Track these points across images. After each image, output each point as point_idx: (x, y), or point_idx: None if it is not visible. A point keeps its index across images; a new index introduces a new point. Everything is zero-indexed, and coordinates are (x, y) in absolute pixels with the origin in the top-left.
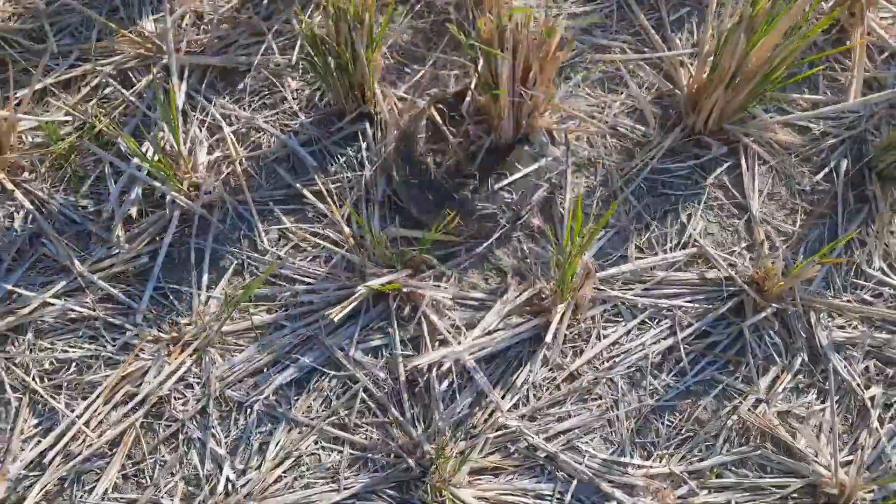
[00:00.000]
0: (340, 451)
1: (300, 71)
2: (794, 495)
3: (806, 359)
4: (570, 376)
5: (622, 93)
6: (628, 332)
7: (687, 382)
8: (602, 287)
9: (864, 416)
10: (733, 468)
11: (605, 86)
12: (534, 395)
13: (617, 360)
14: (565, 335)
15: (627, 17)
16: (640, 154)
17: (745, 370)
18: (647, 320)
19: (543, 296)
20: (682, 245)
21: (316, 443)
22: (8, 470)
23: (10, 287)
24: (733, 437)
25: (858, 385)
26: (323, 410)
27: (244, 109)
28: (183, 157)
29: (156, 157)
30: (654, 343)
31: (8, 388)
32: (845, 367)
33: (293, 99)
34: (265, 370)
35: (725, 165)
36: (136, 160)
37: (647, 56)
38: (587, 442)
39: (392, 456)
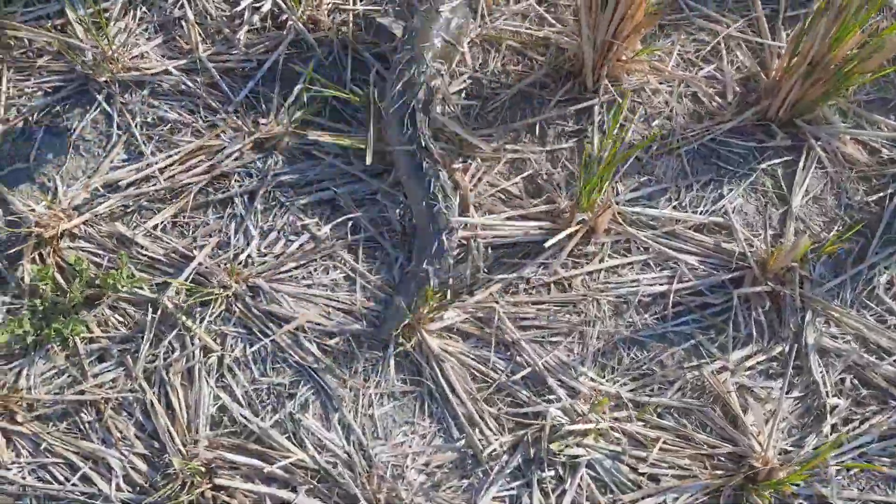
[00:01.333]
0: (349, 273)
1: None
2: (720, 458)
3: (786, 350)
4: (561, 285)
5: (713, 63)
6: (629, 266)
7: (665, 328)
8: (622, 223)
9: (820, 420)
10: (675, 414)
11: (699, 54)
12: (523, 287)
13: (609, 285)
14: (571, 250)
15: (744, 0)
16: (707, 121)
17: (723, 338)
18: (651, 263)
19: (564, 210)
20: (711, 212)
21: (331, 258)
22: (90, 184)
23: (144, 49)
24: (687, 389)
25: (827, 392)
26: (341, 239)
27: None
28: None
29: None
30: (650, 285)
31: (115, 124)
32: (821, 371)
33: None
34: (312, 185)
35: (784, 158)
36: None
37: (748, 38)
38: (552, 342)
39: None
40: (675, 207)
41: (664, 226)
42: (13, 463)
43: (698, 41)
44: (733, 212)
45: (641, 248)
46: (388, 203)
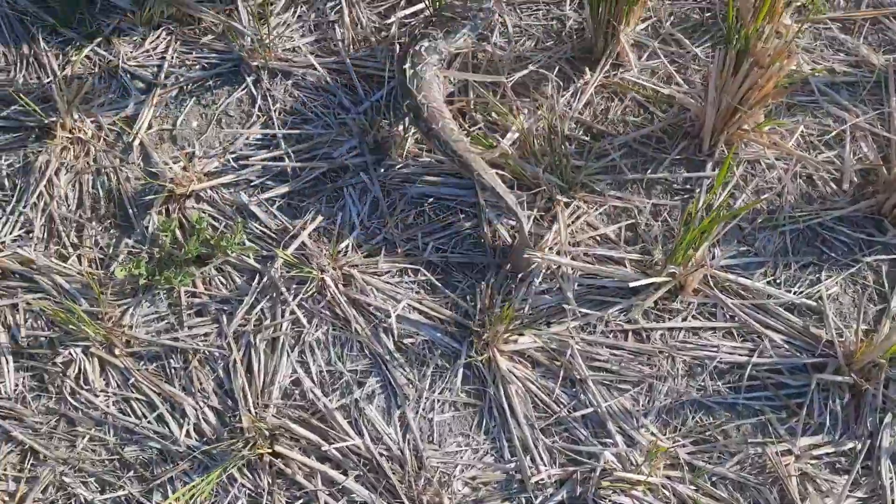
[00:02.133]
0: (435, 281)
1: None
2: None
3: (858, 447)
4: (640, 334)
5: (835, 150)
6: (712, 330)
7: (736, 399)
8: (712, 286)
9: None
10: (730, 486)
11: (822, 138)
12: (601, 329)
13: (688, 345)
14: (655, 302)
15: (879, 93)
16: (818, 205)
17: (794, 421)
18: (734, 332)
19: (656, 263)
20: (805, 294)
21: (424, 263)
22: (225, 154)
23: (297, 43)
24: (747, 464)
25: (893, 500)
26: (437, 247)
27: None
28: None
29: None
30: (729, 353)
31: (257, 106)
32: (891, 477)
33: None
34: (419, 193)
35: (891, 255)
36: None
37: (875, 131)
38: (620, 388)
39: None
40: (769, 282)
41: (755, 298)
42: (101, 391)
43: (823, 125)
44: (828, 298)
45: (727, 316)
46: (489, 215)
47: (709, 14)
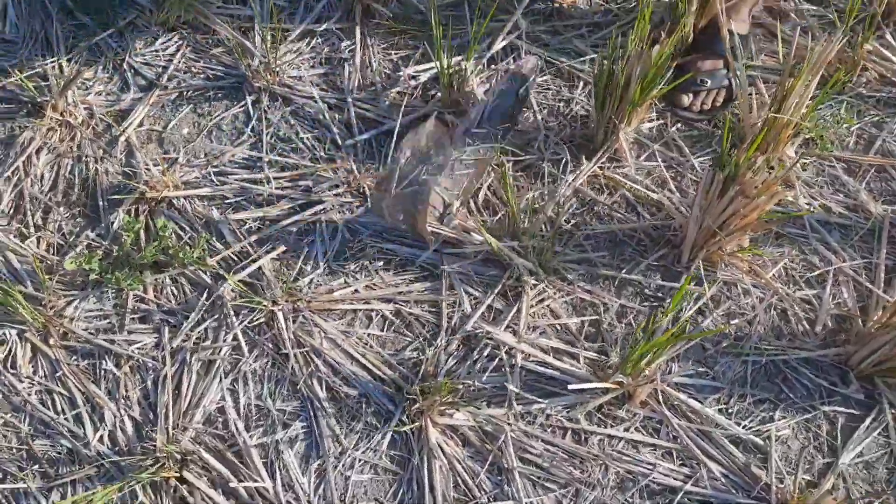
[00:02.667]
0: (385, 337)
1: None
2: None
3: None
4: (578, 435)
5: (815, 290)
6: (652, 447)
7: None
8: (661, 402)
9: None
10: None
11: (804, 275)
12: (540, 421)
13: (624, 457)
14: (601, 405)
15: (871, 242)
16: (786, 342)
17: None
18: (674, 453)
19: (610, 366)
20: (754, 431)
21: (379, 316)
22: (207, 167)
23: (303, 73)
24: None
25: None
26: (394, 302)
27: None
28: None
29: None
30: (665, 475)
31: (250, 126)
32: None
33: None
34: (388, 242)
35: (850, 410)
36: None
37: (859, 280)
38: (546, 486)
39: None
40: (720, 410)
41: (702, 424)
42: (27, 377)
43: (808, 263)
44: (776, 440)
45: (671, 435)
46: (452, 281)
47: (717, 128)
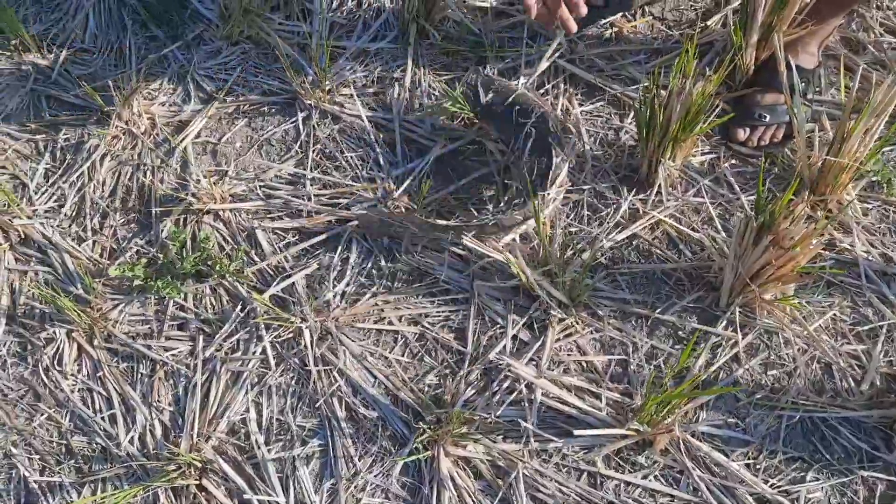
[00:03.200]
0: (408, 362)
1: None
2: None
3: None
4: (594, 478)
5: (865, 345)
6: (670, 498)
7: None
8: (683, 453)
9: None
10: None
11: (854, 329)
12: (556, 461)
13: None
14: (622, 448)
15: None
16: (827, 398)
17: None
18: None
19: (632, 408)
20: (782, 491)
21: (404, 341)
22: (255, 181)
23: (354, 91)
24: None
25: None
26: (424, 327)
27: None
28: None
29: None
30: None
31: (299, 142)
32: None
33: None
34: (422, 271)
35: (892, 477)
36: None
37: None
38: None
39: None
40: (747, 465)
41: (726, 478)
42: (72, 375)
43: (860, 315)
44: (806, 502)
45: (691, 487)
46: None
47: (774, 165)
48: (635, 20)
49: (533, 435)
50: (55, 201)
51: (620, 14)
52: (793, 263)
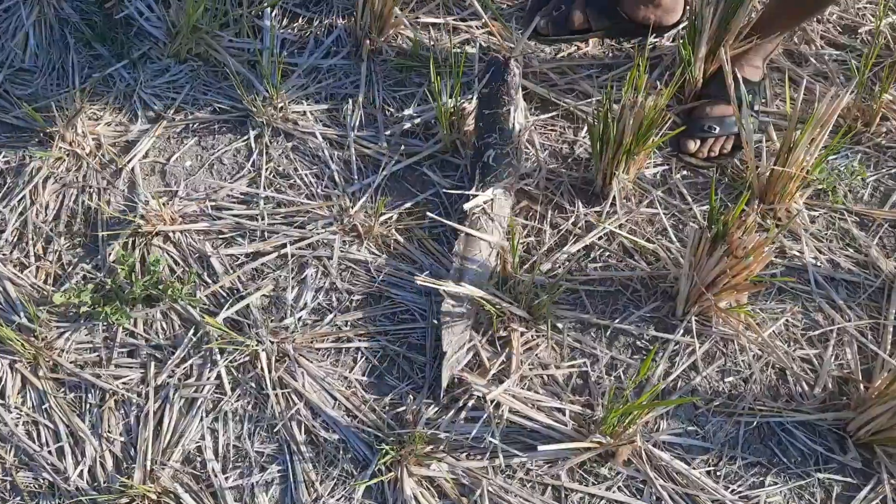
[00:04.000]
0: (367, 382)
1: None
2: None
3: None
4: (558, 492)
5: (816, 349)
6: None
7: None
8: (645, 462)
9: None
10: None
11: (805, 334)
12: (520, 476)
13: None
14: (586, 461)
15: (879, 301)
16: (783, 403)
17: None
18: None
19: (594, 421)
20: (742, 496)
21: (362, 358)
22: (205, 200)
23: (307, 108)
24: None
25: None
26: (381, 344)
27: None
28: None
29: None
30: None
31: (251, 161)
32: None
33: None
34: (374, 291)
35: (847, 478)
36: None
37: (864, 342)
38: None
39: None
40: (707, 473)
41: (688, 487)
42: (16, 408)
43: (811, 321)
44: None
45: (654, 497)
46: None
47: (724, 176)
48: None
49: (497, 451)
50: None
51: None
52: (747, 272)
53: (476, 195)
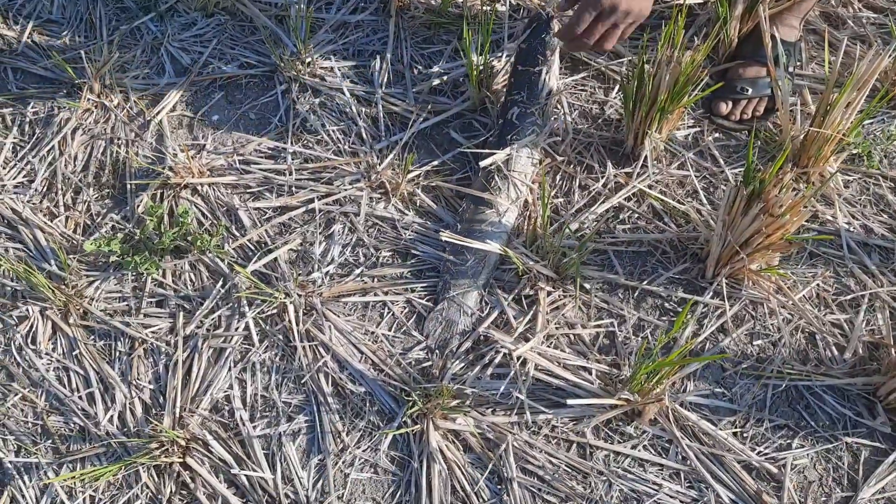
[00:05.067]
0: (394, 335)
1: None
2: None
3: None
4: (584, 448)
5: (848, 314)
6: (659, 467)
7: None
8: (671, 422)
9: None
10: None
11: (837, 298)
12: (545, 432)
13: (629, 475)
14: (611, 419)
15: None
16: (812, 367)
17: None
18: (682, 475)
19: (620, 380)
20: (769, 458)
21: (390, 312)
22: (233, 155)
23: (335, 64)
24: None
25: None
26: (408, 299)
27: None
28: None
29: None
30: (671, 497)
31: (279, 116)
32: None
33: None
34: (400, 242)
35: (875, 443)
36: None
37: None
38: (546, 500)
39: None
40: (734, 434)
41: (714, 447)
42: (46, 354)
43: (843, 286)
44: (792, 469)
45: (680, 457)
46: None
47: (757, 139)
48: None
49: (522, 407)
50: (24, 176)
51: None
52: (782, 231)
53: (493, 153)
